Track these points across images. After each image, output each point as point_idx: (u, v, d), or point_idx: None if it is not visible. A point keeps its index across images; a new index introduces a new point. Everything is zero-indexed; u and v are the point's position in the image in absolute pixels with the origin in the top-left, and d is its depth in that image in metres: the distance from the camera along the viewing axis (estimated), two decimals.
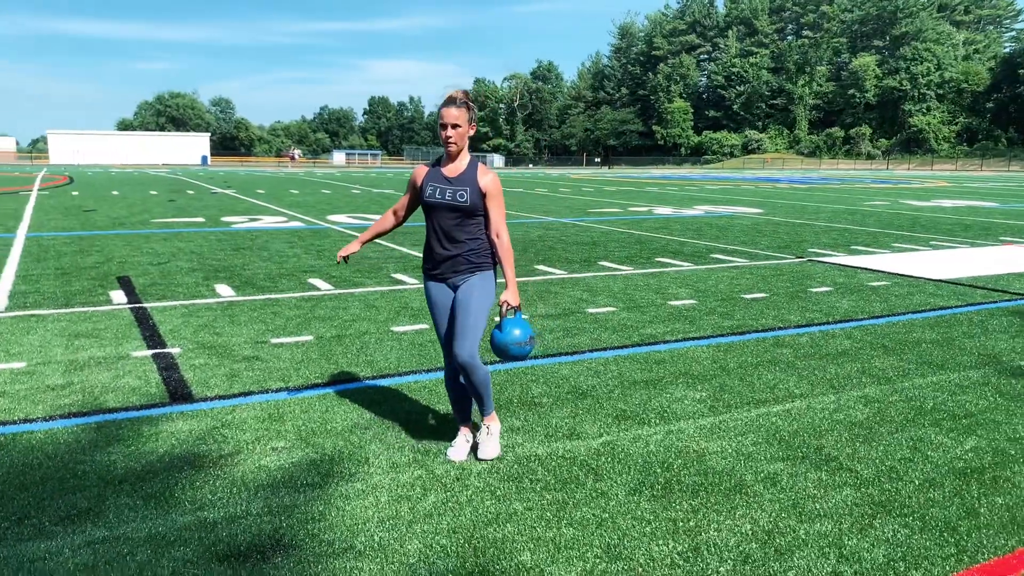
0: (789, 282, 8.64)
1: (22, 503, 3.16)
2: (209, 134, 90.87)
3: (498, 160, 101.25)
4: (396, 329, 6.17)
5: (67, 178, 34.59)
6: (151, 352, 5.40)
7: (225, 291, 7.65)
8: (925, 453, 3.83)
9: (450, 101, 3.49)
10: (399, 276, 8.68)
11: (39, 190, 24.42)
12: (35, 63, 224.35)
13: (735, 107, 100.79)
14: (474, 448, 3.79)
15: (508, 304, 3.54)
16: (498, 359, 3.66)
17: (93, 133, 77.40)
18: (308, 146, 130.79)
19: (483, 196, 3.58)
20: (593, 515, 3.16)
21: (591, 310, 7.06)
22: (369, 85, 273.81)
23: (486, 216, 3.62)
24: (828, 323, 6.64)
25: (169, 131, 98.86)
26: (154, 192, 23.72)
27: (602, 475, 3.55)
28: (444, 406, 4.42)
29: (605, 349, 5.71)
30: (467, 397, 3.79)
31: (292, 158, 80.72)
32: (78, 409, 4.25)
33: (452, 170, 3.60)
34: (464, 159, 3.62)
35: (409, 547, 2.89)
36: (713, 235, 13.49)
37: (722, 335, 6.20)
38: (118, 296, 7.30)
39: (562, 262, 9.97)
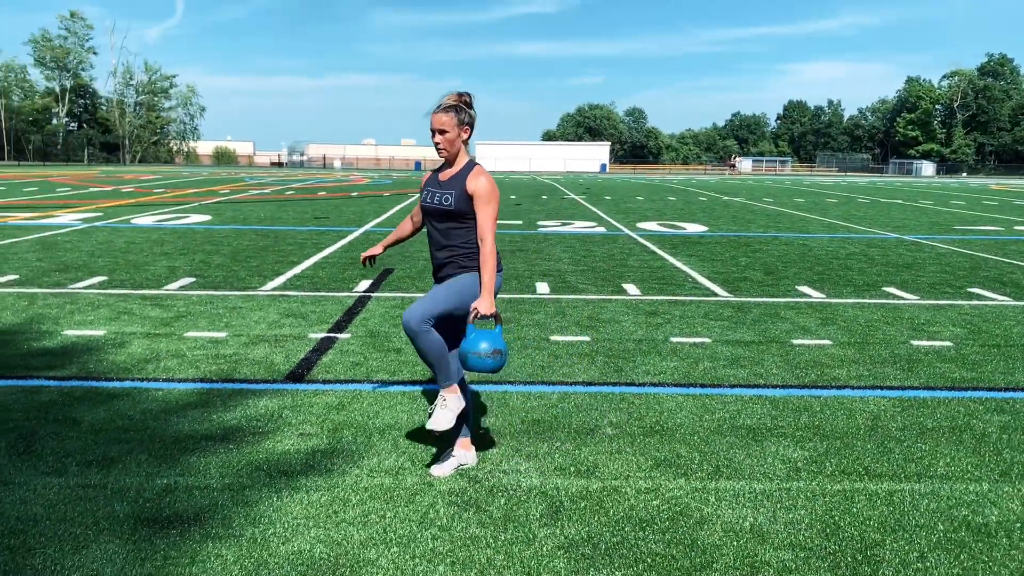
0: None
1: (81, 443, 3.83)
2: (609, 143, 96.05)
3: (928, 168, 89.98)
4: (555, 338, 6.04)
5: None
6: (324, 335, 6.04)
7: None
8: None
9: (438, 106, 3.43)
10: (627, 287, 8.42)
11: None
12: (488, 82, 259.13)
13: None
14: (448, 458, 3.62)
15: (477, 312, 3.34)
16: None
17: (512, 143, 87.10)
18: (715, 153, 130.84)
19: (470, 199, 3.42)
20: (483, 557, 2.83)
21: (798, 341, 6.10)
22: (787, 89, 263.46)
23: (476, 219, 3.45)
24: None
25: (585, 140, 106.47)
26: (513, 196, 25.95)
27: (557, 519, 3.13)
28: (502, 420, 4.26)
29: (751, 386, 4.94)
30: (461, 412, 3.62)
31: (732, 165, 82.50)
32: (211, 376, 4.96)
33: (446, 174, 3.54)
34: (461, 163, 3.52)
35: (284, 548, 2.90)
36: None
37: (932, 388, 4.93)
38: (362, 285, 8.25)
39: (836, 284, 8.71)
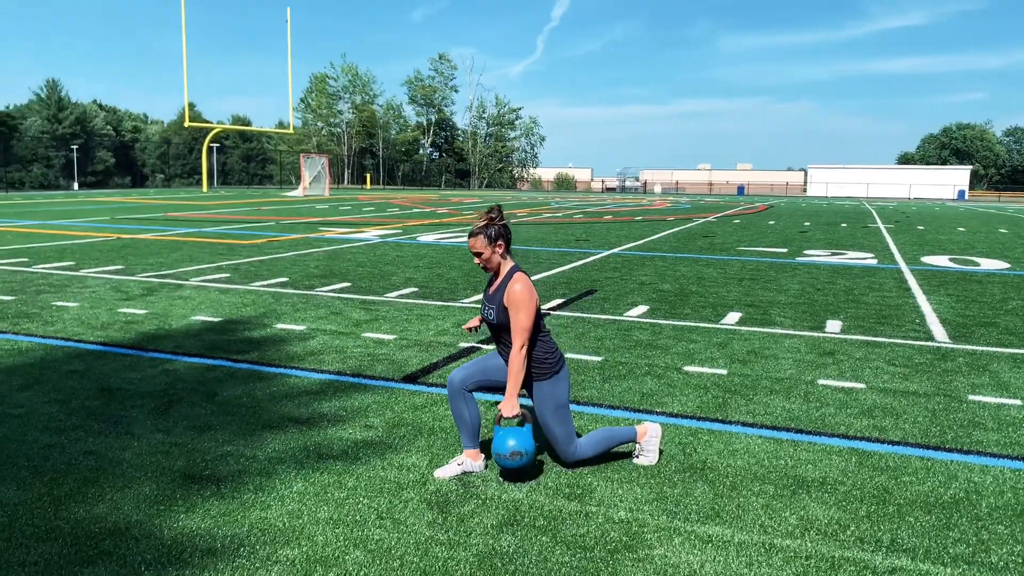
0: None
1: (201, 412, 4.69)
2: (970, 168, 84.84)
3: None
4: (687, 368, 5.84)
5: (764, 207, 37.66)
6: (472, 345, 6.49)
7: (633, 312, 8.16)
8: None
9: (471, 232, 3.80)
10: (830, 323, 7.69)
11: (717, 216, 27.56)
12: (841, 102, 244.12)
13: None
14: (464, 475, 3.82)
15: (500, 414, 3.65)
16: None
17: (848, 167, 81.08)
18: None
19: (507, 311, 3.71)
20: (401, 550, 3.02)
21: (977, 397, 5.23)
22: None
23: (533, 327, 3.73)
24: None
25: (951, 164, 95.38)
26: (808, 223, 24.22)
27: (503, 531, 3.21)
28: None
29: (852, 438, 4.40)
30: (464, 423, 3.83)
31: None
32: (345, 370, 5.66)
33: (492, 287, 3.87)
34: (503, 273, 3.83)
35: (258, 513, 3.35)
36: None
37: None
38: (553, 302, 8.57)
39: None
